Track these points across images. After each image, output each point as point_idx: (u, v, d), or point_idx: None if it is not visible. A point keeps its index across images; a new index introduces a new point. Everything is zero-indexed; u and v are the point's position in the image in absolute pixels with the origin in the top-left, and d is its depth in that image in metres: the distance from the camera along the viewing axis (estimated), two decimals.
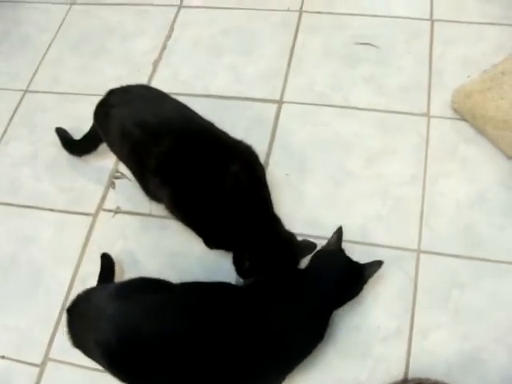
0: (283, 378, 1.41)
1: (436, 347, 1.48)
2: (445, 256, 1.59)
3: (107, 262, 1.63)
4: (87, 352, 1.39)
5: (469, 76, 1.85)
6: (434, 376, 1.40)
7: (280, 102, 1.94)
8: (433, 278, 1.57)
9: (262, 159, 1.64)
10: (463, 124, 1.80)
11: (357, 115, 1.87)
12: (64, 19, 2.30)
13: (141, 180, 1.63)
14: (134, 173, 1.66)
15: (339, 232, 1.50)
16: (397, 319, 1.53)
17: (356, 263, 1.46)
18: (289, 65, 2.01)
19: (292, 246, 1.51)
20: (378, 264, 1.46)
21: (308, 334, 1.41)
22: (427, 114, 1.83)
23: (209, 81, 2.03)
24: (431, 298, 1.54)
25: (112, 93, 1.67)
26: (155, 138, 1.54)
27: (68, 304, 1.44)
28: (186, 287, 1.44)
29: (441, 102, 1.85)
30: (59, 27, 2.28)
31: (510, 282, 1.54)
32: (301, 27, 2.10)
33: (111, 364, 1.32)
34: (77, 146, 1.89)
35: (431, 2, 2.08)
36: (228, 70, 2.04)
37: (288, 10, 2.15)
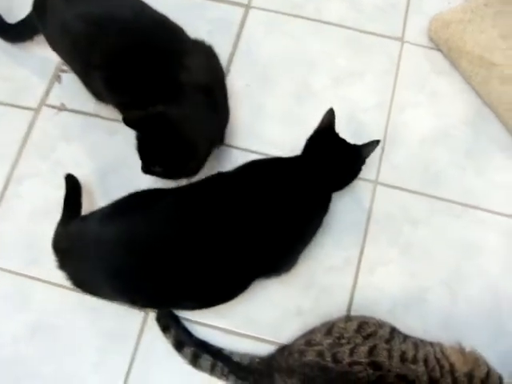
0: (297, 257, 1.41)
1: (382, 282, 1.46)
2: (402, 190, 1.55)
3: (73, 184, 1.50)
4: (89, 287, 1.34)
5: (449, 3, 1.75)
6: (377, 311, 1.37)
7: (248, 7, 1.79)
8: (387, 212, 1.53)
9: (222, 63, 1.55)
10: (437, 54, 1.71)
11: (328, 30, 1.75)
12: None
13: (85, 78, 1.51)
14: (77, 71, 1.52)
15: (331, 113, 1.42)
16: (345, 251, 1.49)
17: (351, 144, 1.41)
18: None
19: None
20: (374, 143, 1.41)
21: (309, 216, 1.38)
22: (401, 39, 1.74)
23: None
24: (383, 232, 1.51)
25: None
26: (100, 30, 1.39)
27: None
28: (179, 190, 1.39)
29: (417, 28, 1.75)
30: None
31: (464, 225, 1.51)
32: None
33: (122, 286, 1.29)
34: (9, 31, 1.70)
35: None
36: None
37: None
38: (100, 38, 1.39)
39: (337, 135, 1.42)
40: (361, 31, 1.75)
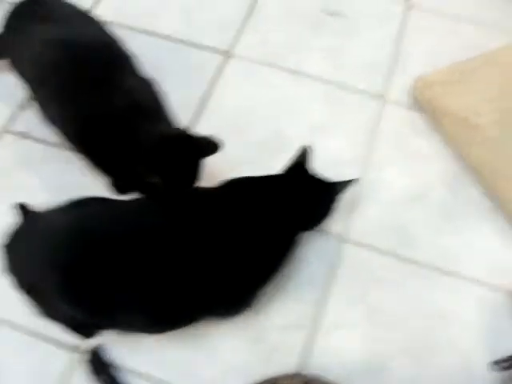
0: (252, 298, 1.27)
1: (341, 347, 1.32)
2: (371, 250, 1.43)
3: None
4: (35, 288, 1.18)
5: (435, 64, 1.68)
6: (333, 378, 1.24)
7: (228, 55, 1.74)
8: (353, 271, 1.41)
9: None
10: (419, 115, 1.64)
11: (308, 84, 1.69)
12: None
13: (35, 99, 1.46)
14: (30, 90, 1.46)
15: (304, 150, 1.34)
16: (303, 307, 1.36)
17: (323, 180, 1.32)
18: (248, 17, 1.82)
19: None
20: (349, 182, 1.32)
21: (270, 256, 1.25)
22: (383, 97, 1.67)
23: (156, 18, 1.81)
24: (346, 292, 1.38)
25: (22, 4, 1.49)
26: (52, 53, 1.37)
27: None
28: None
29: (399, 87, 1.68)
30: None
31: (436, 291, 1.39)
32: None
33: (72, 284, 1.12)
34: None
35: None
36: (181, 11, 1.83)
37: None
38: (50, 60, 1.37)
39: (306, 170, 1.33)
40: (342, 86, 1.69)
